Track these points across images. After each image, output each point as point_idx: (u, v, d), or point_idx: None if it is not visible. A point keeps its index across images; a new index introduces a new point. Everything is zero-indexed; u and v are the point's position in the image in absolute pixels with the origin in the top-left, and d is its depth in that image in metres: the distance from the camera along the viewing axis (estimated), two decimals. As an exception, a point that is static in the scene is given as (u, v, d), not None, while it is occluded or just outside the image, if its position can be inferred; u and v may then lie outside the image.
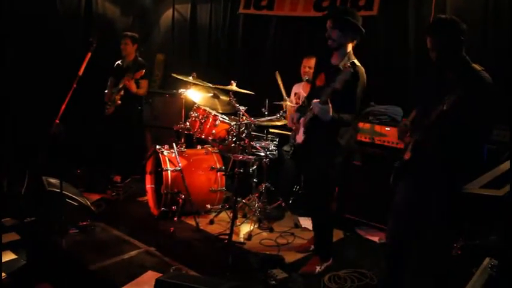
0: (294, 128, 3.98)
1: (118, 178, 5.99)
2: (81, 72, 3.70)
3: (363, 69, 3.60)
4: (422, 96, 3.18)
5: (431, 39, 2.95)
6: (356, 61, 3.59)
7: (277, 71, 5.45)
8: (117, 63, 6.15)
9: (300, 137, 3.83)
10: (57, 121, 3.60)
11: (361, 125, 4.76)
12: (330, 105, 3.40)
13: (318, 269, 3.87)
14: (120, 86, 5.80)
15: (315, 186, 3.89)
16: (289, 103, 5.35)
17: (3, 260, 3.86)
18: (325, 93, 3.43)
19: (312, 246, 4.13)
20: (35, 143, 5.07)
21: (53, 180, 4.50)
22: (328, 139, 3.69)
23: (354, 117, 3.65)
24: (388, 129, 4.60)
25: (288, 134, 5.39)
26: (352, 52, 3.70)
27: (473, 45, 3.42)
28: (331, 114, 3.41)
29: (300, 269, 3.89)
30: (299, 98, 5.40)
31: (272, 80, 5.50)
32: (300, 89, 5.47)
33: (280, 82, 5.40)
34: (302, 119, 3.82)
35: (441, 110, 2.74)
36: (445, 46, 2.88)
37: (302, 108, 3.96)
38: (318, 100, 3.47)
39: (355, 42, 3.71)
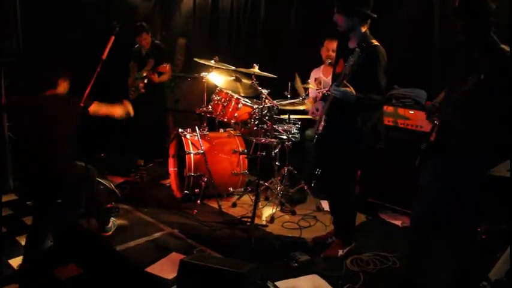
0: (317, 117, 3.90)
1: (141, 162, 6.05)
2: (104, 56, 3.71)
3: (382, 49, 3.49)
4: (451, 78, 3.13)
5: (459, 21, 2.88)
6: (374, 41, 3.51)
7: (296, 74, 5.39)
8: (136, 46, 6.17)
9: (321, 125, 3.79)
10: (82, 105, 3.63)
11: (384, 108, 4.70)
12: (350, 86, 3.35)
13: (340, 252, 3.86)
14: (144, 74, 5.83)
15: (337, 174, 3.84)
16: (312, 86, 5.29)
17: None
18: (339, 78, 3.41)
19: (329, 239, 4.09)
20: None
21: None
22: (350, 126, 3.59)
23: (383, 98, 3.56)
24: (412, 112, 4.55)
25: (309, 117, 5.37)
26: (368, 33, 3.58)
27: (502, 25, 3.31)
28: (354, 94, 3.35)
29: (323, 253, 3.90)
30: (320, 83, 5.35)
31: (294, 63, 5.46)
32: (320, 74, 5.41)
33: (299, 85, 5.34)
34: (324, 107, 3.75)
35: (463, 90, 2.71)
36: (474, 28, 2.81)
37: (326, 97, 3.84)
38: (335, 83, 3.43)
39: (368, 22, 3.58)
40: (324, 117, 3.71)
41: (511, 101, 2.76)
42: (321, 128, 3.74)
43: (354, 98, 3.37)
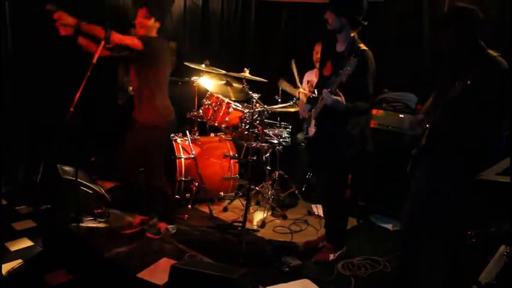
0: (306, 117, 3.93)
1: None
2: (95, 60, 3.69)
3: (370, 54, 3.51)
4: (440, 82, 3.15)
5: (447, 29, 2.90)
6: (362, 46, 3.53)
7: (293, 60, 5.38)
8: None
9: (311, 130, 3.81)
10: (72, 109, 3.60)
11: (374, 111, 4.73)
12: (341, 94, 3.38)
13: (331, 257, 3.87)
14: None
15: (329, 178, 3.86)
16: (303, 90, 5.31)
17: (19, 247, 3.94)
18: (333, 85, 3.42)
19: (320, 243, 4.09)
20: (50, 131, 5.10)
21: (67, 168, 4.54)
22: (340, 131, 3.62)
23: (370, 104, 3.60)
24: (402, 116, 4.57)
25: (300, 121, 5.38)
26: (356, 37, 3.60)
27: (489, 31, 3.35)
28: (344, 104, 3.39)
29: (314, 257, 3.89)
30: (312, 86, 5.36)
31: (285, 67, 5.47)
32: (313, 77, 5.44)
33: (295, 71, 5.35)
34: (313, 111, 3.77)
35: (451, 95, 2.73)
36: (462, 36, 2.84)
37: (312, 100, 3.88)
38: (329, 89, 3.43)
39: (359, 28, 3.59)
40: (314, 121, 3.72)
41: (501, 106, 2.79)
42: (311, 133, 3.75)
43: (343, 107, 3.40)
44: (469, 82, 2.62)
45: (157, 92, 4.06)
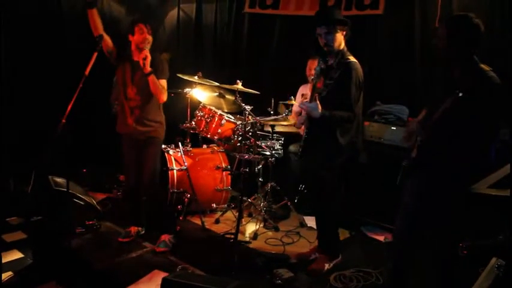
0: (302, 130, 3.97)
1: (123, 177, 5.98)
2: (87, 72, 3.69)
3: (357, 65, 3.59)
4: (431, 96, 3.17)
5: (445, 38, 2.91)
6: (351, 58, 3.61)
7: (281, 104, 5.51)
8: None
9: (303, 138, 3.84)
10: (64, 121, 3.59)
11: (366, 123, 4.75)
12: (318, 102, 3.43)
13: (326, 266, 3.87)
14: None
15: (317, 186, 3.88)
16: (296, 103, 5.33)
17: (10, 259, 3.90)
18: (311, 94, 3.50)
19: (313, 255, 4.07)
20: (41, 143, 5.07)
21: (59, 180, 4.52)
22: (328, 140, 3.67)
23: (351, 114, 3.60)
24: (394, 128, 4.59)
25: (293, 133, 5.40)
26: (346, 49, 3.68)
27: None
28: (319, 111, 3.43)
29: (309, 267, 3.88)
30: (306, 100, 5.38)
31: (277, 79, 5.49)
32: (307, 90, 5.45)
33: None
34: (305, 121, 3.82)
35: (443, 109, 2.74)
36: (458, 45, 2.86)
37: None
38: (307, 100, 3.51)
39: (345, 39, 3.69)
40: (304, 130, 3.77)
41: (493, 120, 2.81)
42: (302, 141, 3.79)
43: (318, 115, 3.45)
44: (460, 95, 2.64)
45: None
